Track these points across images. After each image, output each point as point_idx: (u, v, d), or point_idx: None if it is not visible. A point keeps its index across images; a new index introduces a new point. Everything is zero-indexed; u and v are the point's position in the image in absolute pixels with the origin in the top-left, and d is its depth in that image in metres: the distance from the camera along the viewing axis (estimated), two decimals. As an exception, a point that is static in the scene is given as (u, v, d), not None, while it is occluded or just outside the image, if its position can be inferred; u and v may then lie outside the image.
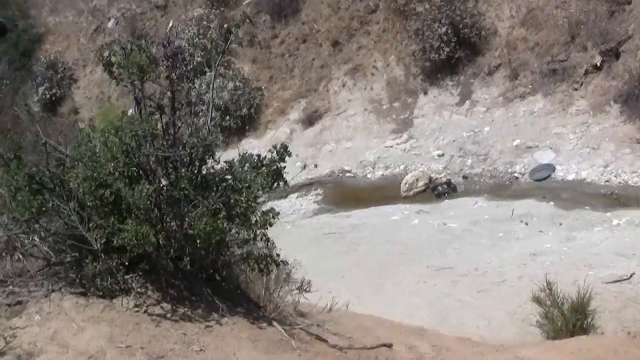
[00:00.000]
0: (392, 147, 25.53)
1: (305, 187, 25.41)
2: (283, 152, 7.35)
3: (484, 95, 25.37)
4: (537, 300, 11.23)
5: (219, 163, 7.38)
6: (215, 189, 7.12)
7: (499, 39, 25.88)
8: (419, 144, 25.20)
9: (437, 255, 17.02)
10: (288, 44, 30.61)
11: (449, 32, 25.72)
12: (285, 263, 7.97)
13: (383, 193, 23.45)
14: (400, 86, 27.23)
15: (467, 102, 25.56)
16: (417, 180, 23.08)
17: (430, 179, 23.26)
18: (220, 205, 6.95)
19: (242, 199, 7.04)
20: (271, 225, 7.31)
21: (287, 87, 29.90)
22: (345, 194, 24.39)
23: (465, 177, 23.09)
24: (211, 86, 7.96)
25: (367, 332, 10.13)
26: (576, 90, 23.56)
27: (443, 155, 24.25)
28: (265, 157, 7.60)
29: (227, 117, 26.55)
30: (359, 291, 15.11)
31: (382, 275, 16.12)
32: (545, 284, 11.07)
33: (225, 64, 30.06)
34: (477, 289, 14.80)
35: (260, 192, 7.14)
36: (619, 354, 9.07)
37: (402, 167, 24.48)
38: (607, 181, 20.47)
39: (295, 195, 25.01)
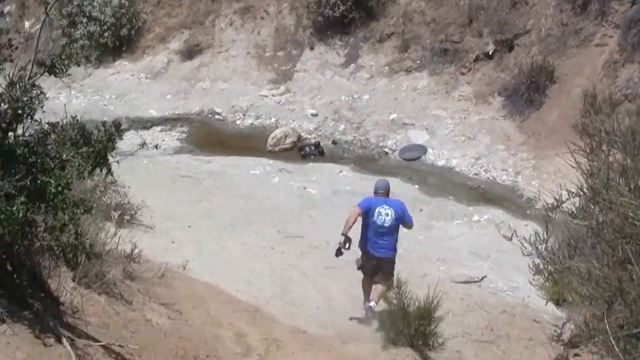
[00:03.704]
0: (267, 96, 24.66)
1: (170, 121, 24.41)
2: (114, 131, 6.05)
3: (370, 61, 24.70)
4: (384, 296, 10.57)
5: (39, 123, 6.01)
6: (21, 162, 5.70)
7: (397, 7, 25.22)
8: (295, 98, 24.40)
9: (290, 220, 16.26)
10: (184, -31, 29.30)
11: (348, -11, 24.91)
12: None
13: (249, 143, 22.59)
14: (288, 36, 26.33)
15: (352, 65, 24.85)
16: (286, 136, 22.27)
17: (299, 137, 22.51)
18: (22, 185, 5.60)
19: (52, 181, 5.68)
20: (81, 215, 5.97)
21: (174, 14, 28.66)
22: (211, 136, 23.44)
23: (334, 142, 22.41)
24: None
25: (197, 303, 9.32)
26: (463, 74, 23.12)
27: (317, 115, 23.50)
28: (92, 132, 6.24)
29: (105, 34, 25.24)
30: (203, 245, 14.33)
31: (230, 231, 15.28)
32: (395, 282, 10.38)
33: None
34: (325, 264, 14.05)
35: (74, 178, 5.79)
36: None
37: (273, 120, 23.66)
38: (476, 174, 20.09)
39: (159, 128, 23.96)
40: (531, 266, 6.44)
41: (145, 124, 24.12)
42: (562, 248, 5.44)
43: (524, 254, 6.52)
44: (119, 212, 13.97)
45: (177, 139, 23.32)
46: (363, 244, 12.48)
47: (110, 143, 5.98)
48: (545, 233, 5.79)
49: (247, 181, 18.83)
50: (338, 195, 18.42)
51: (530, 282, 13.93)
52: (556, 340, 7.60)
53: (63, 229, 5.80)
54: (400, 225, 12.48)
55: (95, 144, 5.87)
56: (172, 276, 9.73)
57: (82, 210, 5.84)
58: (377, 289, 12.12)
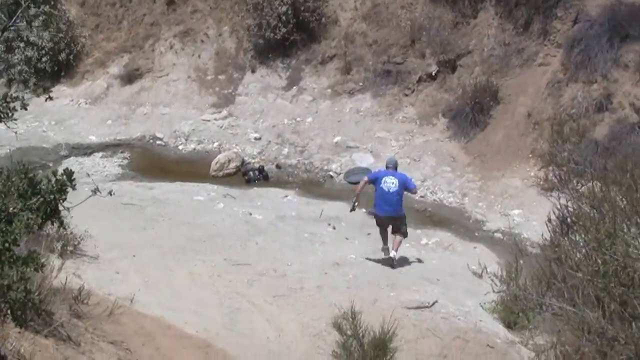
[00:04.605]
0: (209, 121, 24.36)
1: (112, 147, 23.97)
2: (65, 180, 5.57)
3: (312, 83, 24.55)
4: (337, 327, 10.26)
5: None
6: None
7: (338, 29, 25.12)
8: (237, 122, 24.15)
9: (237, 247, 15.90)
10: (121, -8, 28.91)
11: (289, 12, 24.84)
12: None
13: (192, 168, 22.28)
14: (229, 59, 26.09)
15: (294, 87, 24.67)
16: (229, 160, 21.98)
17: (243, 162, 22.22)
18: None
19: None
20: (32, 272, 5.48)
21: (112, 38, 28.26)
22: (153, 162, 23.08)
23: (278, 167, 22.20)
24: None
25: (147, 340, 8.98)
26: (406, 96, 23.06)
27: (260, 138, 23.27)
28: (41, 181, 5.78)
29: (44, 59, 24.70)
30: (148, 275, 13.87)
31: (176, 260, 14.85)
32: (349, 312, 10.10)
33: (52, 3, 28.14)
34: (273, 292, 13.77)
35: (22, 233, 5.30)
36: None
37: (215, 144, 23.37)
38: (422, 196, 19.97)
39: (100, 154, 23.51)
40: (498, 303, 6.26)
41: (86, 150, 23.70)
42: (534, 285, 5.25)
43: (494, 291, 6.33)
44: (62, 243, 13.53)
45: (119, 165, 22.89)
46: (374, 206, 16.25)
47: (62, 194, 5.54)
48: (515, 269, 5.59)
49: (191, 207, 18.47)
50: (284, 221, 18.18)
51: (482, 306, 13.87)
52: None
53: (11, 287, 5.38)
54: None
55: (45, 194, 5.41)
56: (120, 311, 9.37)
57: (32, 269, 5.41)
58: (395, 240, 16.10)
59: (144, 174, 22.06)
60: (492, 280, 6.01)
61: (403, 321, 12.64)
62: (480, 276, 14.54)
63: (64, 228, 5.57)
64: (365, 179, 16.46)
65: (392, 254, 15.93)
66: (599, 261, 4.93)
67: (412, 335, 12.52)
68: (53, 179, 5.47)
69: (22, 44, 27.17)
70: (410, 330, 12.67)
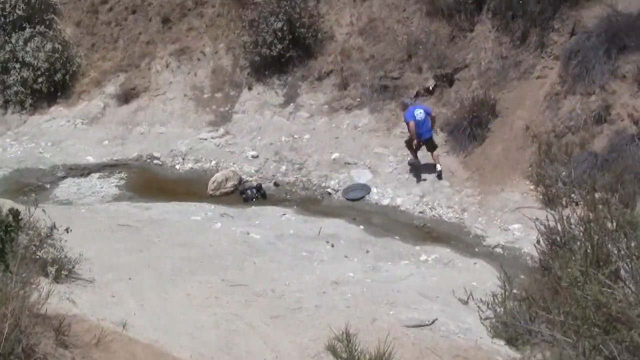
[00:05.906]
0: (206, 139, 24.26)
1: (109, 167, 23.89)
2: (11, 221, 5.28)
3: (309, 100, 24.44)
4: (332, 349, 10.12)
5: None
6: None
7: (335, 44, 25.03)
8: (234, 140, 24.04)
9: (234, 267, 15.74)
10: (116, 12, 28.96)
11: (285, 28, 24.76)
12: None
13: (189, 187, 22.16)
14: (226, 76, 26.01)
15: (292, 104, 24.57)
16: (227, 179, 21.84)
17: (240, 180, 22.08)
18: None
19: None
20: None
21: (108, 57, 28.22)
22: (150, 182, 22.96)
23: (276, 184, 22.05)
24: None
25: (139, 371, 8.82)
26: (404, 111, 22.87)
27: (257, 156, 23.15)
28: None
29: (40, 80, 24.72)
30: (144, 298, 13.69)
31: (172, 282, 14.69)
32: (344, 334, 9.95)
33: (47, 23, 28.18)
34: (270, 313, 13.60)
35: None
36: None
37: (213, 163, 23.26)
38: (421, 212, 19.79)
39: (97, 175, 23.44)
40: (489, 329, 6.12)
41: (83, 171, 23.64)
42: (523, 311, 5.10)
43: (482, 317, 6.18)
44: (57, 267, 13.35)
45: (116, 185, 22.77)
46: (416, 136, 20.68)
47: (8, 235, 5.27)
48: (503, 295, 5.43)
49: (188, 228, 18.31)
50: (282, 240, 18.00)
51: (482, 323, 13.68)
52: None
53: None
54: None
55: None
56: (111, 339, 9.20)
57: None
58: (434, 155, 20.92)
59: (141, 194, 21.95)
60: (479, 307, 5.85)
61: (402, 340, 12.48)
62: (466, 302, 14.38)
63: (10, 272, 5.25)
64: (412, 122, 20.52)
65: (439, 167, 20.74)
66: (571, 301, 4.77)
67: (411, 355, 12.32)
68: (-3, 220, 5.17)
69: (17, 65, 27.14)
70: (410, 349, 12.48)
